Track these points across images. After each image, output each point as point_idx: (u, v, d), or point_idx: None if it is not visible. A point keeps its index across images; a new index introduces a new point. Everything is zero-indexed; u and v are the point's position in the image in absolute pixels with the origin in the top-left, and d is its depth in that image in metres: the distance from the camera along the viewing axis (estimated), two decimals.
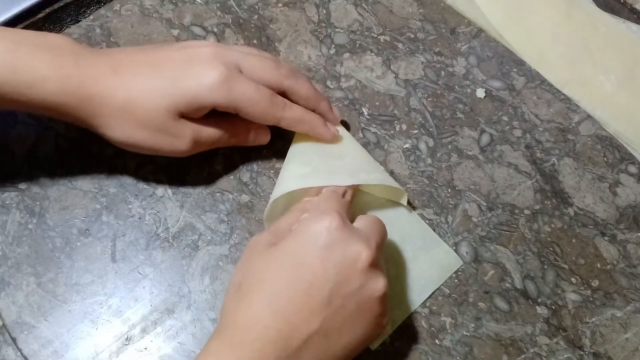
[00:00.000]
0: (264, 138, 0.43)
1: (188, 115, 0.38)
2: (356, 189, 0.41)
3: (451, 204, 0.45)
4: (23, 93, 0.35)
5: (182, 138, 0.39)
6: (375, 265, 0.33)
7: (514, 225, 0.45)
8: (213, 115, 0.40)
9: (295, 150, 0.42)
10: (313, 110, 0.42)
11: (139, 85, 0.37)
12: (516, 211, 0.45)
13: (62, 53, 0.36)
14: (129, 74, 0.37)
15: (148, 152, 0.39)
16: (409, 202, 0.44)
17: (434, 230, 0.44)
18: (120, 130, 0.38)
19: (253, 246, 0.35)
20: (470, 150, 0.47)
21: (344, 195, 0.39)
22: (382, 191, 0.43)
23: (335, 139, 0.43)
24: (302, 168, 0.40)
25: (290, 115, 0.40)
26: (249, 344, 0.30)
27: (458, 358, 0.40)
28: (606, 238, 0.45)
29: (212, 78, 0.37)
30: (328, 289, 0.31)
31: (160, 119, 0.37)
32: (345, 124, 0.47)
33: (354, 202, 0.41)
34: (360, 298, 0.32)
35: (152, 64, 0.38)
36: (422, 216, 0.44)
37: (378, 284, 0.33)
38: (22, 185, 0.42)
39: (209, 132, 0.40)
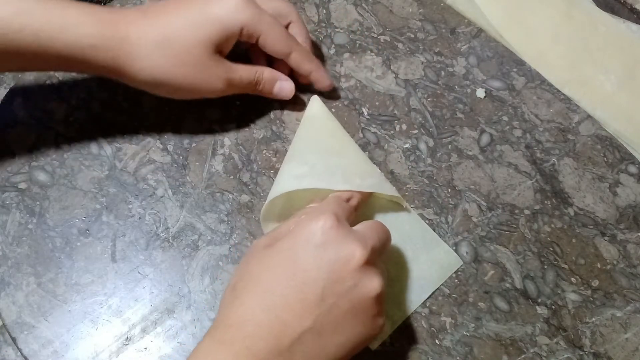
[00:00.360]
0: (288, 91, 0.45)
1: (221, 46, 0.40)
2: (366, 196, 0.41)
3: (451, 204, 0.45)
4: (58, 38, 0.36)
5: (216, 77, 0.41)
6: (370, 265, 0.33)
7: (514, 225, 0.45)
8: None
9: (294, 150, 0.42)
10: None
11: (171, 22, 0.39)
12: (516, 211, 0.45)
13: (92, 5, 0.38)
14: (159, 15, 0.39)
15: (184, 94, 0.41)
16: (408, 203, 0.44)
17: (434, 230, 0.44)
18: (158, 69, 0.39)
19: (252, 249, 0.35)
20: (470, 150, 0.47)
21: (348, 200, 0.39)
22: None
23: (331, 87, 0.47)
24: (299, 168, 0.40)
25: (300, 49, 0.43)
26: (240, 341, 0.30)
27: (458, 358, 0.40)
28: (606, 238, 0.45)
29: (237, 1, 0.40)
30: (321, 287, 0.31)
31: (196, 52, 0.39)
32: (345, 124, 0.47)
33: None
34: (354, 297, 0.32)
35: (178, 3, 0.40)
36: (422, 216, 0.44)
37: (373, 284, 0.33)
38: (22, 185, 0.42)
39: (240, 74, 0.42)
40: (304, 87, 0.47)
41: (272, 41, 0.42)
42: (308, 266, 0.32)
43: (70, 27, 0.36)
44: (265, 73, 0.44)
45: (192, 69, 0.39)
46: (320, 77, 0.45)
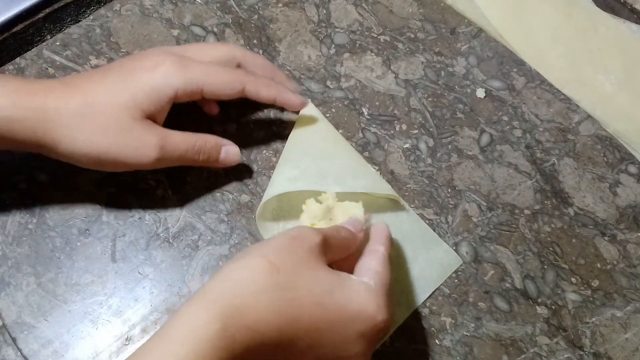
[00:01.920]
0: (234, 156, 0.42)
1: (149, 112, 0.37)
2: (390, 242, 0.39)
3: (451, 204, 0.45)
4: None
5: (147, 142, 0.36)
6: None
7: (514, 225, 0.45)
8: (180, 127, 0.39)
9: (288, 152, 0.43)
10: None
11: (94, 88, 0.36)
12: (516, 211, 0.45)
13: (7, 76, 0.36)
14: (81, 83, 0.36)
15: (111, 165, 0.37)
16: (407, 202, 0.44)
17: (434, 230, 0.44)
18: (81, 140, 0.35)
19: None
20: (470, 150, 0.47)
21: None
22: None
23: (302, 106, 0.43)
24: (291, 171, 0.41)
25: (254, 79, 0.39)
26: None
27: (458, 358, 0.40)
28: (606, 238, 0.45)
29: (165, 66, 0.37)
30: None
31: (121, 118, 0.35)
32: (345, 124, 0.47)
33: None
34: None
35: (103, 69, 0.38)
36: (422, 216, 0.44)
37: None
38: (22, 185, 0.42)
39: (176, 140, 0.38)
40: (300, 91, 0.48)
41: (216, 89, 0.38)
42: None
43: None
44: (208, 140, 0.40)
45: (116, 135, 0.35)
46: (285, 99, 0.41)
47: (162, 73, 0.37)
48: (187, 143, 0.39)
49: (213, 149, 0.40)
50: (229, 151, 0.41)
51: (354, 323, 0.31)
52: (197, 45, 0.40)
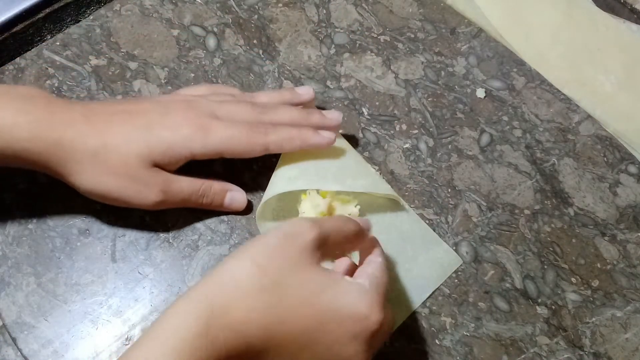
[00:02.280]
0: (240, 202, 0.42)
1: (162, 165, 0.38)
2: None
3: (451, 204, 0.45)
4: None
5: (151, 187, 0.37)
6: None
7: (514, 225, 0.45)
8: (188, 171, 0.39)
9: (286, 154, 0.43)
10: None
11: (113, 131, 0.36)
12: (516, 211, 0.45)
13: (33, 100, 0.36)
14: (102, 121, 0.37)
15: (114, 202, 0.38)
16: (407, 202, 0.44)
17: (434, 230, 0.44)
18: (90, 177, 0.36)
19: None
20: (470, 150, 0.47)
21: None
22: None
23: (330, 143, 0.41)
24: (291, 170, 0.41)
25: (276, 138, 0.39)
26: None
27: (458, 358, 0.40)
28: (606, 238, 0.45)
29: (187, 128, 0.37)
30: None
31: (133, 165, 0.36)
32: (345, 124, 0.47)
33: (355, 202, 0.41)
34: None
35: (127, 112, 0.38)
36: (422, 216, 0.44)
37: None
38: (22, 185, 0.42)
39: (181, 185, 0.39)
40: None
41: (237, 154, 0.39)
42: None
43: (6, 130, 0.34)
44: (213, 186, 0.41)
45: (124, 181, 0.37)
46: (311, 145, 0.40)
47: (182, 136, 0.37)
48: (191, 188, 0.40)
49: (217, 195, 0.41)
50: (234, 197, 0.42)
51: (346, 323, 0.31)
52: (230, 105, 0.40)
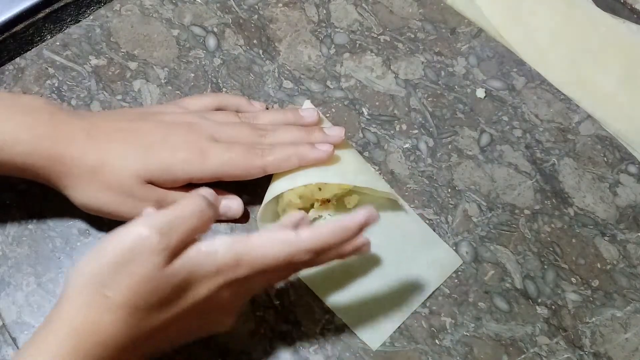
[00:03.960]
0: (236, 209, 0.42)
1: (158, 184, 0.38)
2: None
3: (451, 204, 0.45)
4: None
5: (146, 203, 0.37)
6: None
7: (514, 225, 0.45)
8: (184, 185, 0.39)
9: None
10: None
11: (113, 149, 0.37)
12: (516, 211, 0.45)
13: (36, 115, 0.36)
14: (103, 138, 0.37)
15: (109, 216, 0.39)
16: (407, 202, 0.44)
17: (434, 230, 0.44)
18: (86, 192, 0.37)
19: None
20: (470, 150, 0.47)
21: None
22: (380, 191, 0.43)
23: (329, 156, 0.40)
24: (292, 171, 0.41)
25: (273, 159, 0.39)
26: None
27: (458, 358, 0.40)
28: (606, 238, 0.45)
29: (186, 152, 0.38)
30: None
31: (129, 183, 0.37)
32: (345, 124, 0.47)
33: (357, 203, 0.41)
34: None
35: (129, 131, 0.38)
36: (422, 216, 0.44)
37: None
38: (22, 186, 0.42)
39: (177, 197, 0.39)
40: (300, 91, 0.47)
41: (234, 177, 0.39)
42: None
43: (8, 144, 0.35)
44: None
45: (119, 197, 0.37)
46: (309, 161, 0.40)
47: (181, 159, 0.38)
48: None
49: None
50: (229, 204, 0.41)
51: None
52: (229, 127, 0.40)
